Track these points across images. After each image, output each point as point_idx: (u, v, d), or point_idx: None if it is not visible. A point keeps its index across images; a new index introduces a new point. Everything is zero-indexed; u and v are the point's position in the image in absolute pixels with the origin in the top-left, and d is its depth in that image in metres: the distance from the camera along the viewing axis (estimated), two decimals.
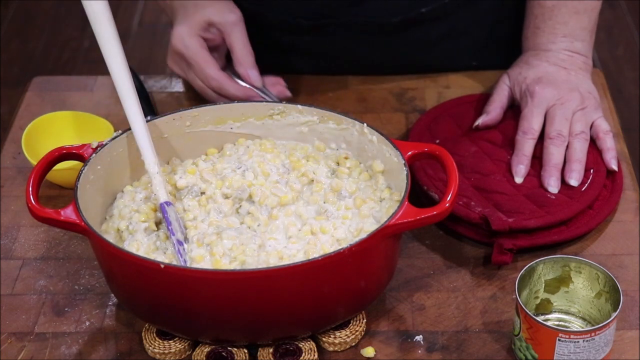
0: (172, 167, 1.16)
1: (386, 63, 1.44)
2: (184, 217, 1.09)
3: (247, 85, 1.30)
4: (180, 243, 1.06)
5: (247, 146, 1.18)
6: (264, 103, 1.18)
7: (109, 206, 1.13)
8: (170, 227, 1.06)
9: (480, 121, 1.30)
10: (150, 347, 1.06)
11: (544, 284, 1.06)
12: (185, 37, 1.29)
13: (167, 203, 1.08)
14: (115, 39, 1.09)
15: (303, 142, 1.18)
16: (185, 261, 1.04)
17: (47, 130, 1.31)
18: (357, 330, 1.07)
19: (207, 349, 1.05)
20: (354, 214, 1.10)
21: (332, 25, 1.38)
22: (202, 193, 1.12)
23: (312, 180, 1.14)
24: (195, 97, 1.41)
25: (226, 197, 1.11)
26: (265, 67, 1.33)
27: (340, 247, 1.01)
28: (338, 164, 1.17)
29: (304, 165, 1.15)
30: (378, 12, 1.37)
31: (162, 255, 1.06)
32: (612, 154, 1.24)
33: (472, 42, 1.45)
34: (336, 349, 1.06)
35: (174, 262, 1.04)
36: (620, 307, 1.00)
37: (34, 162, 1.22)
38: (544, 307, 1.08)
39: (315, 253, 1.04)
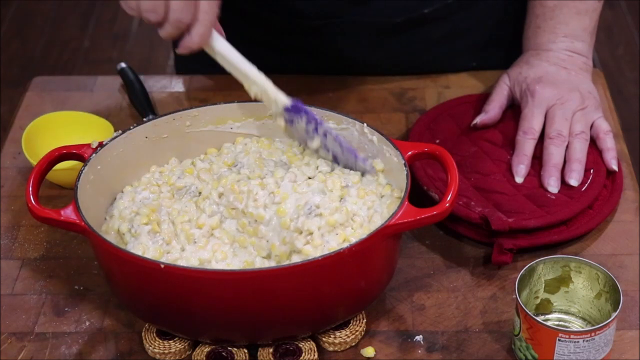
0: (172, 167, 1.16)
1: (386, 63, 1.44)
2: (180, 217, 1.08)
3: None
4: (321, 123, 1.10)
5: (245, 144, 1.17)
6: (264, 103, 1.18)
7: (109, 206, 1.13)
8: (315, 117, 1.10)
9: (478, 120, 1.30)
10: (150, 347, 1.06)
11: (544, 284, 1.06)
12: None
13: (294, 100, 1.10)
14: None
15: None
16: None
17: (47, 130, 1.31)
18: (357, 330, 1.07)
19: (207, 349, 1.05)
20: None
21: (336, 26, 1.38)
22: (199, 193, 1.12)
23: (310, 178, 1.13)
24: (195, 97, 1.41)
25: (223, 195, 1.11)
26: (265, 67, 1.33)
27: (340, 247, 1.01)
28: None
29: (301, 160, 1.15)
30: (381, 13, 1.36)
31: (166, 257, 1.05)
32: (612, 154, 1.24)
33: (473, 43, 1.45)
34: (336, 349, 1.06)
35: (176, 263, 1.04)
36: (620, 307, 1.00)
37: (34, 162, 1.22)
38: (544, 307, 1.08)
39: None
